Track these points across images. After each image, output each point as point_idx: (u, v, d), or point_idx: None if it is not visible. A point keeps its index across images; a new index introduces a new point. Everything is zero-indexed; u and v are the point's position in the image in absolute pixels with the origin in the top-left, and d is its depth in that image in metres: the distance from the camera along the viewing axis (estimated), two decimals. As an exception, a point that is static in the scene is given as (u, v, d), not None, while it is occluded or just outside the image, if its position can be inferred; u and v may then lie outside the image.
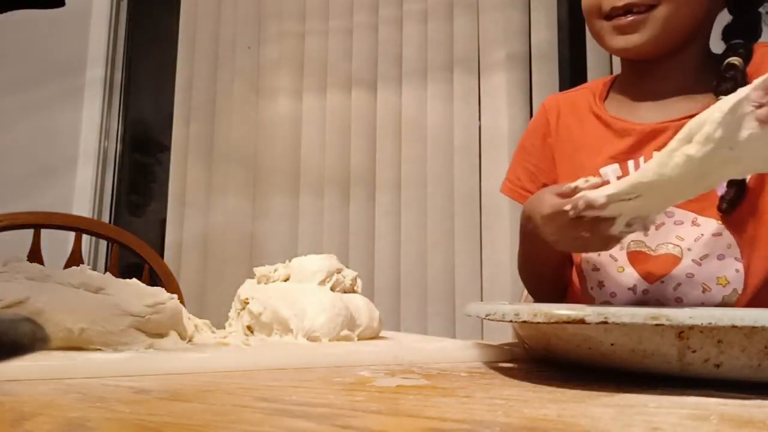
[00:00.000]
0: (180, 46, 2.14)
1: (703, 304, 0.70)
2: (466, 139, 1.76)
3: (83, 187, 2.20)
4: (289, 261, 0.71)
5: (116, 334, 0.47)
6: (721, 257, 0.70)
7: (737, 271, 0.69)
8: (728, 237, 0.70)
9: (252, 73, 2.05)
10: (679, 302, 0.71)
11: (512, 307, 0.41)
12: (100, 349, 0.46)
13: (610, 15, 0.73)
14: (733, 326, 0.33)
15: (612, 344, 0.38)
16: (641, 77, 0.78)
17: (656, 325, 0.35)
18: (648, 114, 0.76)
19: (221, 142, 2.04)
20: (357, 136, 1.90)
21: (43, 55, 2.26)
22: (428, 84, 1.83)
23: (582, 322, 0.36)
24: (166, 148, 2.13)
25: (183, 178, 2.06)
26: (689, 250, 0.70)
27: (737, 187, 0.69)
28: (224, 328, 0.68)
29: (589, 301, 0.77)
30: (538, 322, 0.38)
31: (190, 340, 0.54)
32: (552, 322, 0.37)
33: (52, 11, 0.94)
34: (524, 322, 0.39)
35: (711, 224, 0.71)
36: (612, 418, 0.28)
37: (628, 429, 0.26)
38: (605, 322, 0.36)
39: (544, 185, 0.83)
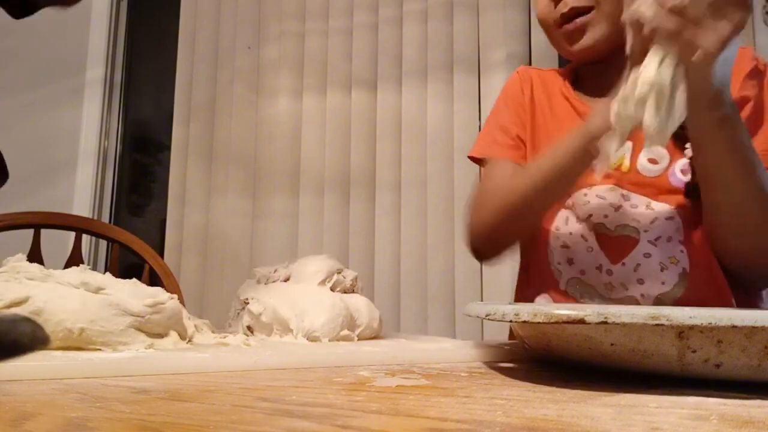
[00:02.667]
0: (180, 46, 2.14)
1: (663, 284, 0.76)
2: (466, 139, 1.76)
3: (83, 187, 2.20)
4: (289, 262, 0.71)
5: (116, 334, 0.47)
6: (669, 239, 0.77)
7: (682, 251, 0.76)
8: (678, 221, 0.77)
9: (252, 73, 2.05)
10: (641, 283, 0.76)
11: (512, 307, 0.41)
12: (100, 349, 0.46)
13: (561, 24, 0.81)
14: (733, 326, 0.33)
15: (612, 344, 0.38)
16: (597, 76, 0.84)
17: (656, 325, 0.35)
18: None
19: (221, 142, 2.04)
20: (357, 136, 1.90)
21: (43, 55, 2.26)
22: (428, 84, 1.83)
23: (582, 322, 0.36)
24: (166, 148, 2.13)
25: (183, 178, 2.06)
26: (645, 231, 0.77)
27: None
28: (224, 328, 0.68)
29: (551, 275, 0.82)
30: (538, 322, 0.38)
31: (190, 340, 0.54)
32: (552, 322, 0.37)
33: (51, 11, 0.93)
34: (524, 322, 0.39)
35: (664, 209, 0.77)
36: (612, 418, 0.28)
37: (628, 429, 0.26)
38: (605, 322, 0.36)
39: (518, 137, 0.87)
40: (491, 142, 0.89)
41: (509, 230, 0.81)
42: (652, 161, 0.79)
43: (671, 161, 0.79)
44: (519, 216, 0.79)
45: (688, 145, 0.77)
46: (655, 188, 0.78)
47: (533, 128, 0.88)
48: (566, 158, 0.72)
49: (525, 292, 0.88)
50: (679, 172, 0.78)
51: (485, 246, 0.84)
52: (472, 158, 0.93)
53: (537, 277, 0.84)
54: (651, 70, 0.55)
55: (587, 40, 0.80)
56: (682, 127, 0.78)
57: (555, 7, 0.81)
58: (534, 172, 0.76)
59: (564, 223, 0.82)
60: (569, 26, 0.80)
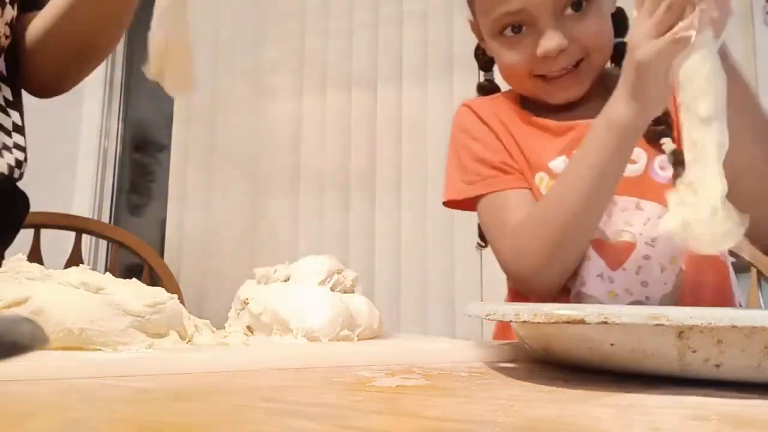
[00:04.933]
0: (180, 46, 2.14)
1: (666, 284, 0.74)
2: (466, 139, 1.76)
3: (83, 187, 2.20)
4: (289, 262, 0.71)
5: (116, 334, 0.47)
6: (669, 238, 0.74)
7: (680, 250, 0.75)
8: None
9: (252, 73, 2.05)
10: (645, 285, 0.74)
11: (512, 307, 0.41)
12: (100, 349, 0.46)
13: (546, 76, 0.77)
14: (733, 326, 0.33)
15: (612, 344, 0.38)
16: (561, 106, 0.82)
17: (656, 325, 0.35)
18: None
19: (221, 142, 2.04)
20: (357, 136, 1.90)
21: (43, 55, 2.26)
22: (428, 84, 1.83)
23: (582, 322, 0.36)
24: (166, 148, 2.13)
25: (183, 178, 2.06)
26: (640, 234, 0.75)
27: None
28: (224, 328, 0.68)
29: (564, 290, 0.78)
30: (539, 322, 0.38)
31: (190, 340, 0.54)
32: (552, 322, 0.37)
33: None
34: (524, 322, 0.39)
35: (654, 208, 0.75)
36: (612, 418, 0.28)
37: (628, 429, 0.26)
38: (605, 323, 0.36)
39: (504, 164, 0.81)
40: (474, 179, 0.83)
41: (567, 258, 0.74)
42: (631, 161, 0.76)
43: (648, 159, 0.78)
44: (574, 237, 0.72)
45: (665, 140, 0.76)
46: (641, 187, 0.76)
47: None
48: (603, 161, 0.67)
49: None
50: (659, 168, 0.77)
51: (544, 280, 0.76)
52: (451, 202, 0.87)
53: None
54: (702, 64, 0.54)
55: (576, 90, 0.78)
56: (655, 123, 0.78)
57: (533, 63, 0.76)
58: (572, 186, 0.70)
59: None
60: (561, 82, 0.77)
